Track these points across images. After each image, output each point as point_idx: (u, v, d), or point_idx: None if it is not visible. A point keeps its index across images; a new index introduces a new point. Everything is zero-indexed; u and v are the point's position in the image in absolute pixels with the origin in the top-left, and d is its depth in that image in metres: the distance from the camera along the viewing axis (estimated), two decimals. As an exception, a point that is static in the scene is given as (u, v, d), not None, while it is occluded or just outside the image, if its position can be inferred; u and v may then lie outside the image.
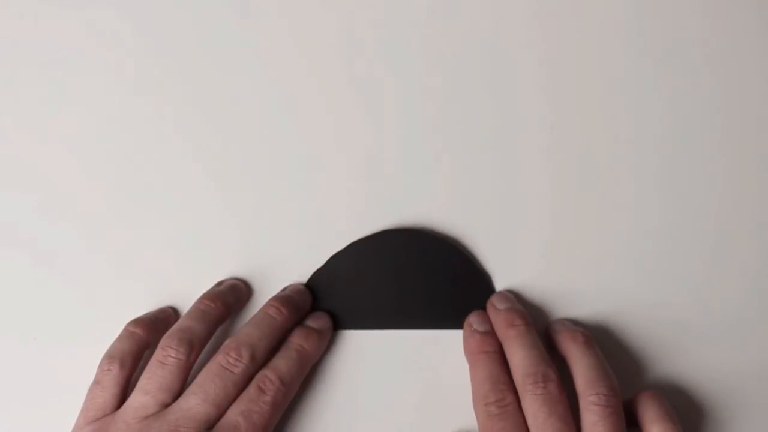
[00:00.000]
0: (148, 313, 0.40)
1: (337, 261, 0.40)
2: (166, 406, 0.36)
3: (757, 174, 0.41)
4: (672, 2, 0.41)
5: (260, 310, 0.39)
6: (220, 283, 0.41)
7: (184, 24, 0.42)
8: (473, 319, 0.39)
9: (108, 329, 0.39)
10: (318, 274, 0.41)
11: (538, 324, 0.40)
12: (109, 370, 0.37)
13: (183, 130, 0.41)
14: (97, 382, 0.37)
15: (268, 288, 0.41)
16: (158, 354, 0.37)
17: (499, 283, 0.41)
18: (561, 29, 0.41)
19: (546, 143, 0.41)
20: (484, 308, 0.40)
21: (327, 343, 0.40)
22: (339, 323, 0.40)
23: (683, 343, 0.40)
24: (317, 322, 0.40)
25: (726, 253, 0.41)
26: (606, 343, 0.40)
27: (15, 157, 0.41)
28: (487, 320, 0.39)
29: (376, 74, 0.41)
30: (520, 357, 0.37)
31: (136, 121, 0.41)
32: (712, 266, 0.41)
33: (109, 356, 0.38)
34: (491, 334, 0.38)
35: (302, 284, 0.41)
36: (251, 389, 0.36)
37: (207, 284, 0.41)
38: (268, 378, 0.37)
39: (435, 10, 0.41)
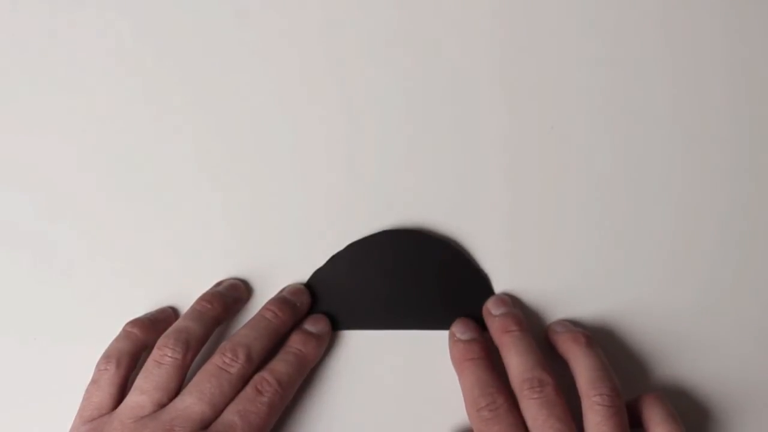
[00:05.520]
0: (147, 314, 0.40)
1: (336, 261, 0.40)
2: (163, 405, 0.36)
3: (761, 173, 0.41)
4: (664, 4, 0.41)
5: (257, 313, 0.39)
6: (219, 284, 0.41)
7: (184, 26, 0.42)
8: (455, 329, 0.39)
9: (108, 329, 0.39)
10: (318, 274, 0.40)
11: (538, 324, 0.40)
12: (105, 369, 0.37)
13: (183, 130, 0.42)
14: (93, 381, 0.37)
15: (267, 288, 0.41)
16: (155, 354, 0.37)
17: (498, 284, 0.40)
18: (560, 30, 0.41)
19: (546, 144, 0.41)
20: (481, 309, 0.40)
21: (325, 347, 0.40)
22: (338, 323, 0.40)
23: (684, 344, 0.40)
24: (316, 326, 0.40)
25: (728, 254, 0.40)
26: (606, 343, 0.40)
27: (15, 157, 0.42)
28: (469, 328, 0.39)
29: (377, 75, 0.41)
30: (515, 363, 0.37)
31: (136, 122, 0.42)
32: (713, 267, 0.40)
33: (106, 356, 0.38)
34: (475, 341, 0.38)
35: (301, 284, 0.41)
36: (248, 390, 0.36)
37: (207, 284, 0.41)
38: (266, 380, 0.37)
39: (434, 10, 0.41)
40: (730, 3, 0.41)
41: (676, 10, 0.41)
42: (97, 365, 0.38)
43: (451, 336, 0.39)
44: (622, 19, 0.41)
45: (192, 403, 0.35)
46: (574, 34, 0.41)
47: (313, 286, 0.40)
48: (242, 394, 0.36)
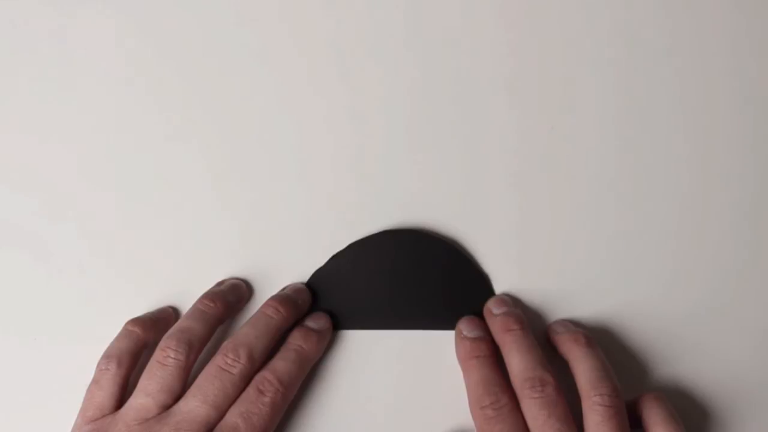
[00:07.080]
0: (147, 313, 0.40)
1: (337, 261, 0.40)
2: (167, 407, 0.36)
3: (764, 175, 0.41)
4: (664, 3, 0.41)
5: (258, 310, 0.39)
6: (220, 283, 0.41)
7: (184, 25, 0.42)
8: (462, 326, 0.39)
9: (108, 329, 0.39)
10: (318, 274, 0.40)
11: (538, 325, 0.40)
12: (106, 369, 0.37)
13: (183, 130, 0.41)
14: (95, 381, 0.37)
15: (268, 288, 0.41)
16: (158, 355, 0.37)
17: (498, 284, 0.40)
18: (565, 31, 0.41)
19: (546, 144, 0.41)
20: (482, 309, 0.40)
21: (326, 344, 0.40)
22: (339, 323, 0.40)
23: (684, 345, 0.40)
24: (317, 322, 0.40)
25: (728, 255, 0.40)
26: (606, 344, 0.40)
27: (15, 158, 0.41)
28: (477, 326, 0.39)
29: (376, 75, 0.41)
30: (516, 362, 0.37)
31: (137, 122, 0.41)
32: (713, 268, 0.40)
33: (106, 355, 0.38)
34: (481, 339, 0.39)
35: (302, 283, 0.41)
36: (250, 390, 0.36)
37: (207, 284, 0.41)
38: (267, 379, 0.37)
39: (439, 12, 0.41)
40: (735, 3, 0.41)
41: (679, 9, 0.41)
42: (98, 365, 0.38)
43: (458, 333, 0.39)
44: (626, 19, 0.41)
45: (196, 406, 0.35)
46: (579, 35, 0.41)
47: (313, 285, 0.40)
48: (244, 395, 0.36)
